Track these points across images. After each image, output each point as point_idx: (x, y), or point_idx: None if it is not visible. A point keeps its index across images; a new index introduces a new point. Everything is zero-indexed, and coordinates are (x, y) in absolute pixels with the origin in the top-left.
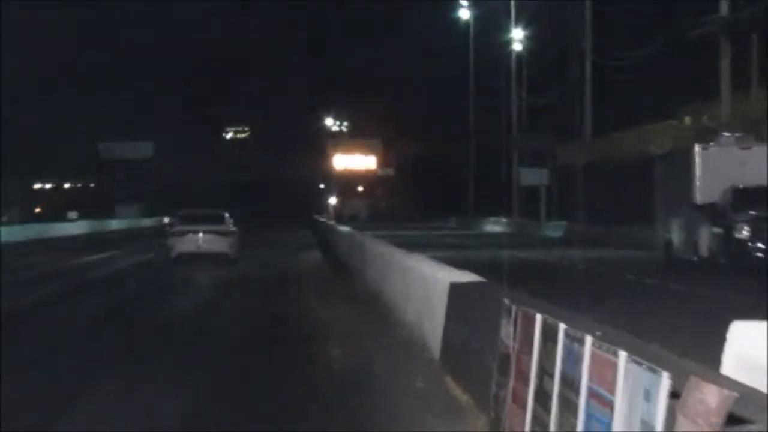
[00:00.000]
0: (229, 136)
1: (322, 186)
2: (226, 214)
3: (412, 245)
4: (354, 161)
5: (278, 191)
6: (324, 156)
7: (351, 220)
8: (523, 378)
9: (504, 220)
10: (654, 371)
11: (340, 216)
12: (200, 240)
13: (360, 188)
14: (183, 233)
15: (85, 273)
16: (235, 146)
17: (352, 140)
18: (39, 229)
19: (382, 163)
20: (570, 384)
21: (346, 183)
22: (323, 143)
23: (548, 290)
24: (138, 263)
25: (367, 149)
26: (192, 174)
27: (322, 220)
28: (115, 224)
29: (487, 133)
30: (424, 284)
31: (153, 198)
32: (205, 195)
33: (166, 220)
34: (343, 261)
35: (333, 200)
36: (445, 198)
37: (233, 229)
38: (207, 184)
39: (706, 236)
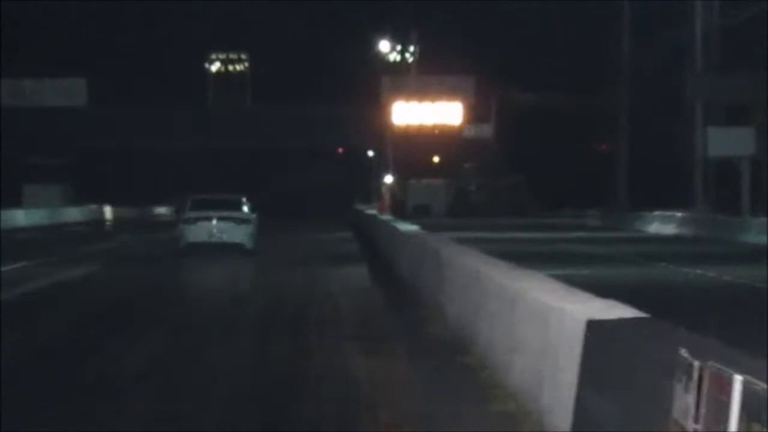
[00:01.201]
0: (215, 68)
1: (370, 154)
2: (244, 199)
3: (522, 257)
4: (426, 113)
5: (300, 169)
6: (375, 105)
7: (419, 213)
8: None
9: (679, 215)
10: None
11: (400, 206)
12: (214, 228)
13: (435, 159)
14: (194, 220)
15: None
16: (225, 86)
17: (423, 77)
18: None
19: (473, 118)
20: None
21: (411, 150)
22: (375, 83)
23: (757, 337)
24: (60, 283)
25: (449, 93)
26: (153, 135)
27: (371, 213)
28: (22, 218)
29: (644, 76)
30: (543, 323)
31: (85, 176)
32: (168, 175)
33: (108, 212)
34: (404, 282)
35: (389, 180)
36: (578, 179)
37: (252, 216)
38: (178, 155)
39: None
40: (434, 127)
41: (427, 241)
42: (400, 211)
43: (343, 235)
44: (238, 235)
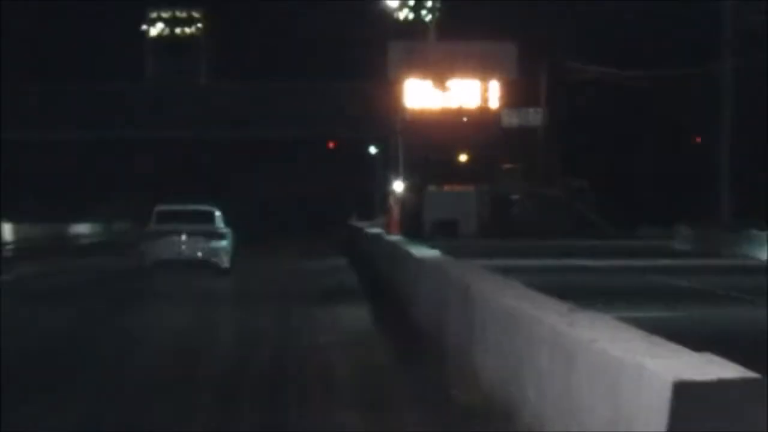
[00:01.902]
0: (156, 30)
1: (373, 151)
2: (218, 213)
3: (585, 293)
4: (451, 94)
5: (276, 170)
6: (380, 83)
7: (441, 232)
8: None
9: None
10: None
11: (415, 222)
12: (183, 244)
13: (463, 158)
14: (160, 235)
15: None
16: (170, 55)
17: (446, 45)
18: None
19: (516, 101)
20: None
21: (429, 145)
22: (379, 53)
23: None
24: None
25: (482, 66)
26: (72, 122)
27: (374, 232)
28: None
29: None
30: (613, 385)
31: None
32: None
33: (6, 231)
34: (420, 329)
35: (399, 187)
36: (662, 184)
37: (227, 230)
38: (107, 149)
39: None
40: (461, 113)
41: (451, 272)
42: (415, 229)
43: (337, 263)
44: (212, 252)
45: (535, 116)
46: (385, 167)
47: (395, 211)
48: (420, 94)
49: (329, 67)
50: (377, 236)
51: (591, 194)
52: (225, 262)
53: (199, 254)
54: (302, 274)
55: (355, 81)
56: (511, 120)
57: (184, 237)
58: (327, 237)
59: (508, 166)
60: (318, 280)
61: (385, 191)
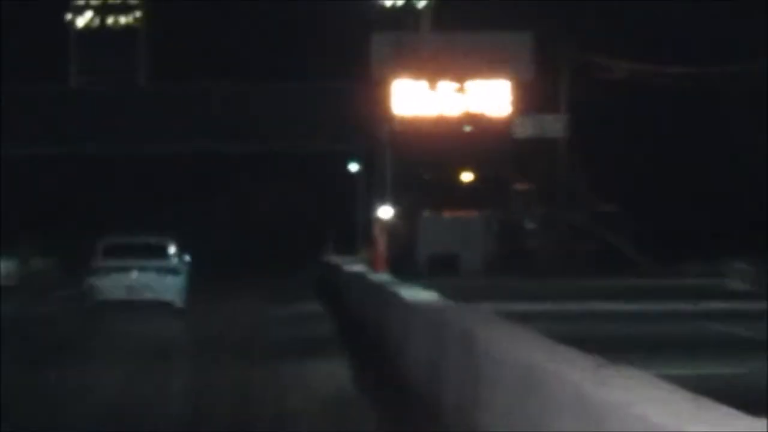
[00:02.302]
0: (83, 20)
1: (353, 169)
2: (172, 246)
3: (617, 345)
4: (450, 97)
5: (233, 192)
6: (362, 84)
7: (438, 268)
8: None
9: None
10: None
11: (406, 257)
12: (133, 281)
13: (466, 177)
14: (107, 271)
15: None
16: (102, 50)
17: (444, 36)
18: None
19: (531, 106)
20: None
21: (424, 162)
22: (362, 46)
23: None
24: None
25: (489, 63)
26: None
27: (356, 270)
28: None
29: None
30: None
31: None
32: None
33: None
34: (412, 389)
35: (386, 214)
36: (714, 209)
37: (181, 265)
38: (16, 165)
39: None
40: (463, 120)
41: (451, 320)
42: (407, 265)
43: (310, 307)
44: (166, 290)
45: (554, 125)
46: (369, 188)
47: (381, 244)
48: (411, 99)
49: (300, 66)
50: (359, 276)
51: (624, 221)
52: (180, 302)
53: (150, 294)
54: (269, 318)
55: (331, 82)
56: (526, 129)
57: (134, 274)
58: (299, 272)
59: (521, 186)
60: (287, 326)
61: (369, 218)
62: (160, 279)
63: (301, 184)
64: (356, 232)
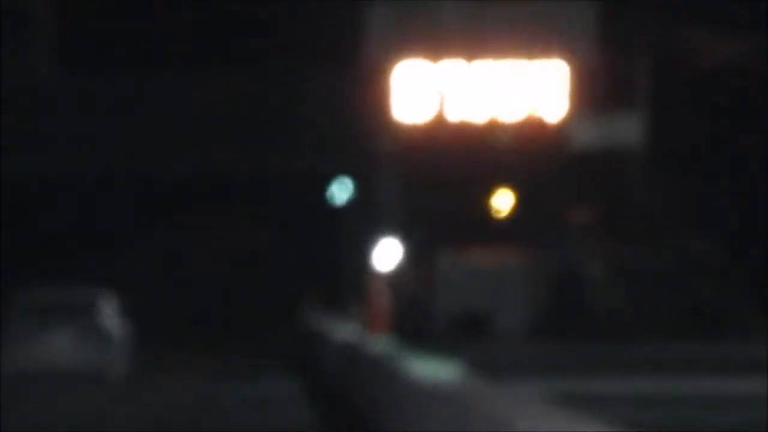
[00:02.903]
0: None
1: (339, 196)
2: (103, 300)
3: None
4: (478, 90)
5: (178, 227)
6: (353, 72)
7: (461, 330)
8: None
9: None
10: None
11: (418, 315)
12: (56, 347)
13: (500, 204)
14: (25, 335)
15: None
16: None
17: (464, 3)
18: None
19: (594, 100)
20: None
21: (439, 186)
22: (352, 16)
23: None
24: None
25: (527, 42)
26: None
27: (344, 338)
28: None
29: None
30: None
31: None
32: None
33: None
34: None
35: (387, 259)
36: None
37: (115, 325)
38: None
39: None
40: (498, 122)
41: (482, 408)
42: (418, 326)
43: (280, 391)
44: (94, 357)
45: (629, 128)
46: (365, 222)
47: (381, 299)
48: (423, 93)
49: (262, 50)
50: (348, 345)
51: (727, 263)
52: (112, 370)
53: (75, 361)
54: (225, 405)
55: (308, 71)
56: (588, 136)
57: (58, 338)
58: (266, 336)
59: (580, 217)
60: (250, 419)
61: (363, 262)
62: (87, 345)
63: (265, 217)
64: (343, 279)
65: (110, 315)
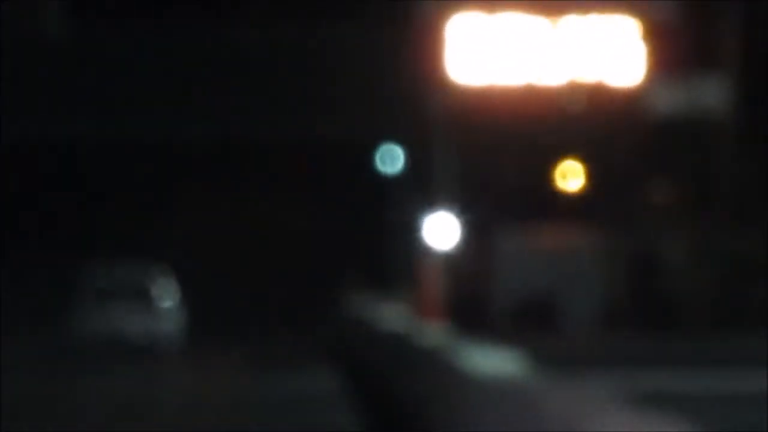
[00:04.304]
0: None
1: (387, 167)
2: (158, 279)
3: None
4: (541, 54)
5: (219, 207)
6: (400, 28)
7: (526, 320)
8: None
9: None
10: None
11: (475, 301)
12: (117, 321)
13: (568, 181)
14: (91, 309)
15: None
16: None
17: None
18: None
19: (673, 68)
20: None
21: (499, 158)
22: None
23: None
24: None
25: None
26: None
27: (389, 328)
28: None
29: None
30: None
31: None
32: None
33: None
34: None
35: (441, 238)
36: None
37: (169, 301)
38: None
39: None
40: (565, 86)
41: (548, 407)
42: (476, 315)
43: (317, 384)
44: (151, 330)
45: (713, 93)
46: (415, 196)
47: (432, 282)
48: (479, 53)
49: (301, 3)
50: (398, 336)
51: None
52: (167, 344)
53: (135, 335)
54: (253, 403)
55: (354, 27)
56: (669, 101)
57: (117, 313)
58: (304, 321)
59: (659, 194)
60: (285, 417)
61: (414, 240)
62: (145, 318)
63: (305, 189)
64: (392, 259)
65: (165, 292)
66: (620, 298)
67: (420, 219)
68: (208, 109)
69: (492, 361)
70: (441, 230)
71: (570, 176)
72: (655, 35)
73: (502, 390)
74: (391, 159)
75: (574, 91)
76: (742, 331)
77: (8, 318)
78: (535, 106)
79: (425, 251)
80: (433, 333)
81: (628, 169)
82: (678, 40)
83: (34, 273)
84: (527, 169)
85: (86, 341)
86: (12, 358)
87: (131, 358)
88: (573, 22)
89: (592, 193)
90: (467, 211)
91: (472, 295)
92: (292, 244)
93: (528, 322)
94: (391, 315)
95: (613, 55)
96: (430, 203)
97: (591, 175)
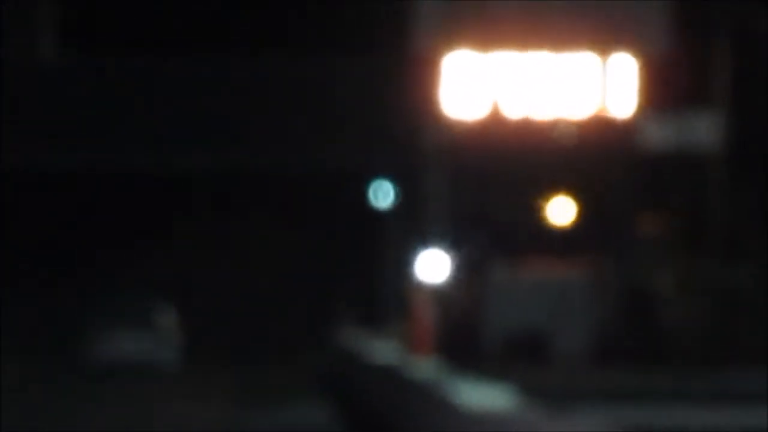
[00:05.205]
0: None
1: (379, 200)
2: (159, 309)
3: None
4: (535, 89)
5: (209, 238)
6: (396, 62)
7: (516, 352)
8: None
9: None
10: None
11: (465, 333)
12: (122, 347)
13: (560, 212)
14: (97, 335)
15: None
16: None
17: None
18: None
19: (666, 102)
20: None
21: (491, 191)
22: (398, 12)
23: None
24: None
25: (592, 30)
26: None
27: (379, 361)
28: None
29: None
30: None
31: None
32: None
33: None
34: None
35: (432, 272)
36: None
37: (169, 330)
38: None
39: None
40: (558, 121)
41: None
42: (468, 346)
43: (310, 417)
44: (152, 356)
45: (705, 128)
46: (406, 228)
47: (424, 313)
48: (474, 86)
49: (300, 34)
50: (390, 369)
51: None
52: (168, 369)
53: (138, 359)
54: None
55: (347, 59)
56: (660, 136)
57: (122, 340)
58: (296, 353)
59: (652, 227)
60: None
61: (405, 274)
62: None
63: (297, 221)
64: (384, 293)
65: (164, 320)
66: (611, 331)
67: (412, 252)
68: (203, 141)
69: (483, 395)
70: (433, 264)
71: (562, 210)
72: (648, 70)
73: (492, 423)
74: (384, 193)
75: (566, 125)
76: (733, 366)
77: (21, 341)
78: (527, 141)
79: (417, 285)
80: (425, 366)
81: (620, 203)
82: (671, 75)
83: (41, 303)
84: (519, 202)
85: (94, 363)
86: (28, 378)
87: (132, 380)
88: (566, 58)
89: (584, 227)
90: (459, 245)
91: (463, 329)
92: (285, 275)
93: (519, 356)
94: (383, 348)
95: (606, 91)
96: (422, 237)
97: (583, 209)
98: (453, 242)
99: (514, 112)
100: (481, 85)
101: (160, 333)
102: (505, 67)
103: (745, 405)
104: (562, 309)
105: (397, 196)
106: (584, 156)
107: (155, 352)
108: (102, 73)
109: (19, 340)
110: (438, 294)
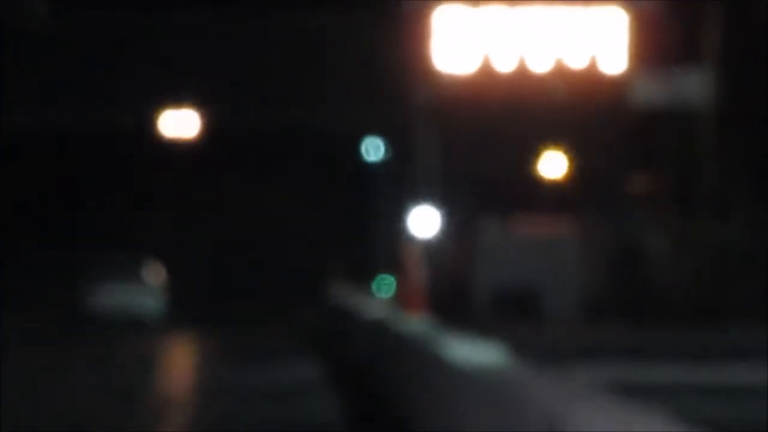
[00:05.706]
0: None
1: (372, 156)
2: (147, 266)
3: None
4: (526, 43)
5: (206, 197)
6: (383, 15)
7: (507, 311)
8: None
9: None
10: None
11: (457, 291)
12: (113, 300)
13: (550, 170)
14: (93, 290)
15: None
16: None
17: None
18: None
19: (657, 59)
20: None
21: (483, 148)
22: None
23: None
24: None
25: None
26: None
27: (372, 316)
28: None
29: None
30: None
31: None
32: None
33: None
34: None
35: (424, 226)
36: None
37: (156, 286)
38: None
39: None
40: (549, 75)
41: (530, 395)
42: (458, 305)
43: (303, 373)
44: (142, 308)
45: (696, 85)
46: (398, 186)
47: (416, 271)
48: (465, 41)
49: None
50: (380, 324)
51: None
52: (155, 320)
53: (130, 312)
54: (234, 393)
55: (337, 15)
56: (651, 93)
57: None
58: (288, 310)
59: (642, 185)
60: (268, 409)
61: (398, 231)
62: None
63: (289, 178)
64: (376, 251)
65: (153, 276)
66: (602, 288)
67: (404, 209)
68: (192, 100)
69: (473, 351)
70: (424, 220)
71: (553, 167)
72: (639, 25)
73: (483, 380)
74: (376, 149)
75: (557, 80)
76: (723, 323)
77: (22, 296)
78: (519, 96)
79: (408, 241)
80: (416, 323)
81: (611, 160)
82: (663, 32)
83: (40, 263)
84: (510, 159)
85: (91, 315)
86: (31, 329)
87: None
88: (557, 12)
89: (575, 184)
90: (450, 201)
91: (454, 285)
92: (277, 232)
93: (510, 313)
94: (374, 305)
95: (598, 45)
96: (413, 193)
97: (574, 166)
98: (443, 199)
99: (504, 66)
100: (471, 39)
101: (148, 287)
102: (495, 21)
103: (736, 361)
104: (553, 266)
105: (388, 152)
106: (575, 112)
107: (143, 305)
108: (94, 34)
109: (20, 293)
110: (429, 250)
